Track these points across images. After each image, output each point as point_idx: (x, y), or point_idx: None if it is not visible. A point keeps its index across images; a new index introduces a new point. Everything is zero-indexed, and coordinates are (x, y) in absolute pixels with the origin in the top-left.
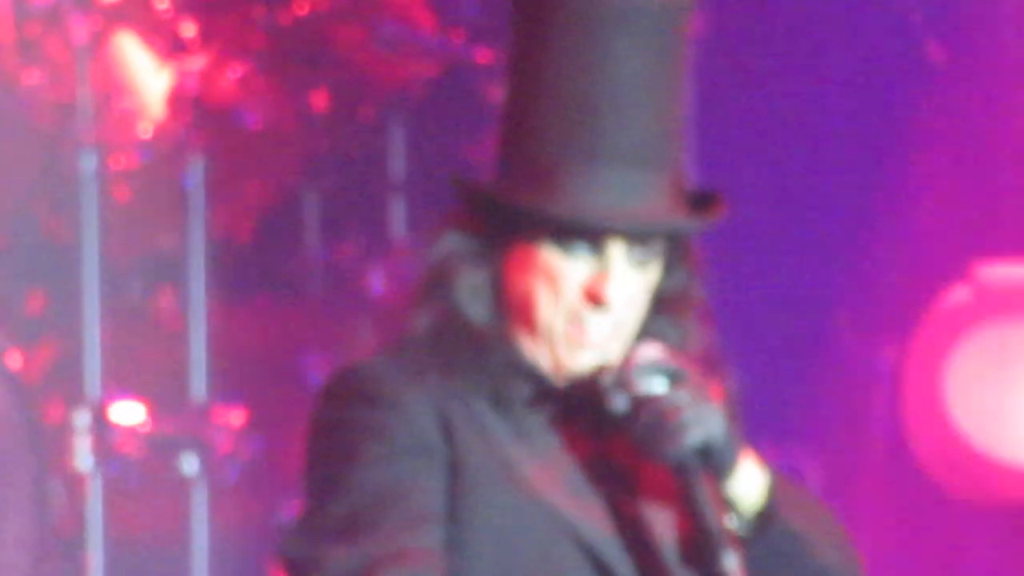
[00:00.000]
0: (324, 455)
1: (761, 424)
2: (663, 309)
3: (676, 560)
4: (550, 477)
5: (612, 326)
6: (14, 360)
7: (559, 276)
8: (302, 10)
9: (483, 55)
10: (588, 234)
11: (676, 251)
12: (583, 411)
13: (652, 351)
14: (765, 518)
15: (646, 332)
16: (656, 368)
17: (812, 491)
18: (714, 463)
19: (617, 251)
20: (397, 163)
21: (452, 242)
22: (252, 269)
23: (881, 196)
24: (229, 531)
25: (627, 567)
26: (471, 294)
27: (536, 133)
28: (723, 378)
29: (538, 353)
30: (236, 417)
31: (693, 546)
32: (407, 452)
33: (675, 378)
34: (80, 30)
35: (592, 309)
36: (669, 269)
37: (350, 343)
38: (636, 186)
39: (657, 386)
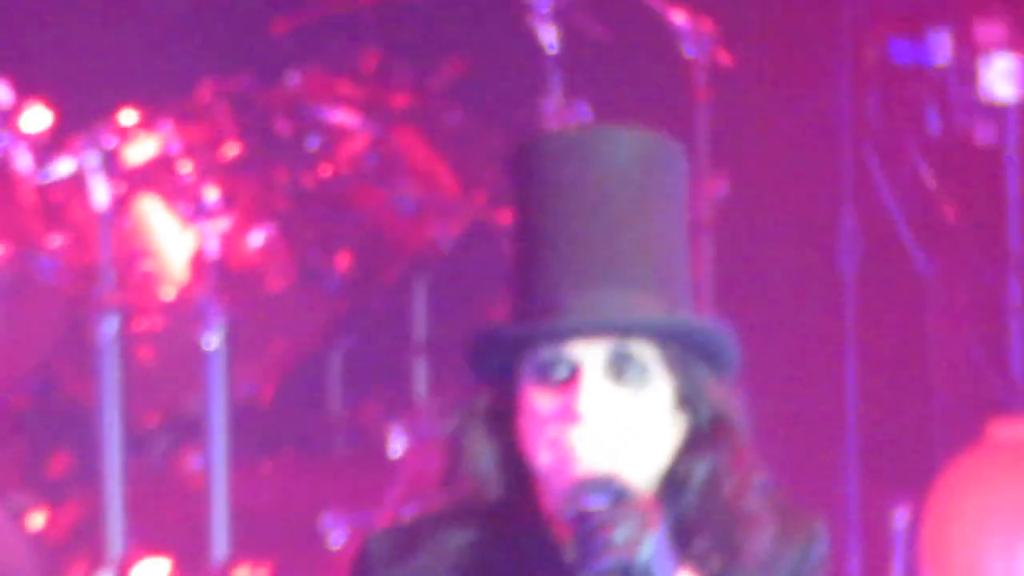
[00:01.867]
0: None
1: None
2: (694, 447)
3: None
4: None
5: (595, 442)
6: (37, 521)
7: (542, 410)
8: (325, 173)
9: (506, 215)
10: (560, 359)
11: (690, 384)
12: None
13: (600, 471)
14: None
15: (675, 470)
16: (601, 487)
17: None
18: None
19: (589, 361)
20: (420, 323)
21: (468, 412)
22: (274, 429)
23: (896, 354)
24: None
25: None
26: (488, 465)
27: (521, 277)
28: (755, 526)
29: (554, 510)
30: None
31: None
32: None
33: (617, 497)
34: (103, 194)
35: (568, 426)
36: (690, 405)
37: (372, 503)
38: (602, 303)
39: (598, 503)
